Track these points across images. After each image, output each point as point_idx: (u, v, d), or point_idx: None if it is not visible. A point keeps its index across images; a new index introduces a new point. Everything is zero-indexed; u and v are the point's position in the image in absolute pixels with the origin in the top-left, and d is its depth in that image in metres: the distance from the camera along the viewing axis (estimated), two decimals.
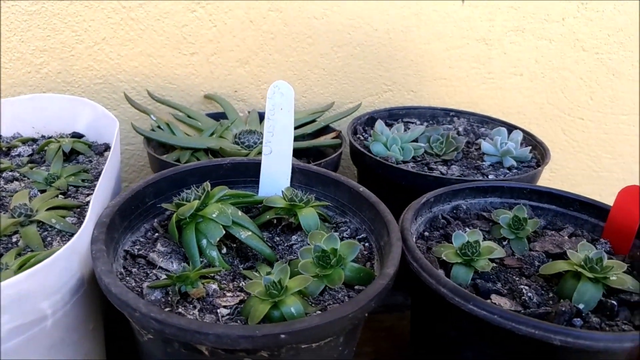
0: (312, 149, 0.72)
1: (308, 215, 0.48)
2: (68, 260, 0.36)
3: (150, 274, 0.42)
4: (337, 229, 0.51)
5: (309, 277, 0.39)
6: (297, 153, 0.69)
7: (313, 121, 0.76)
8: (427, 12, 0.83)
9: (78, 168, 0.53)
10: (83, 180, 0.52)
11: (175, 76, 0.80)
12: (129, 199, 0.45)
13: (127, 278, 0.41)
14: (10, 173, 0.52)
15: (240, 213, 0.47)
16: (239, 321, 0.38)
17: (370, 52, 0.84)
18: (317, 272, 0.41)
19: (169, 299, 0.39)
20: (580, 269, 0.42)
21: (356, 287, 0.43)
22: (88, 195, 0.50)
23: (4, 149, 0.58)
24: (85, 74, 0.76)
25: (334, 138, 0.72)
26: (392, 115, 0.81)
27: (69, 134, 0.62)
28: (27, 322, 0.33)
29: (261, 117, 0.74)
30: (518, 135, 0.69)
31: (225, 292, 0.41)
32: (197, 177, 0.51)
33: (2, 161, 0.54)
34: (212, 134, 0.70)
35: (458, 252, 0.45)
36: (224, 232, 0.44)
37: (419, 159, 0.67)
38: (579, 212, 0.54)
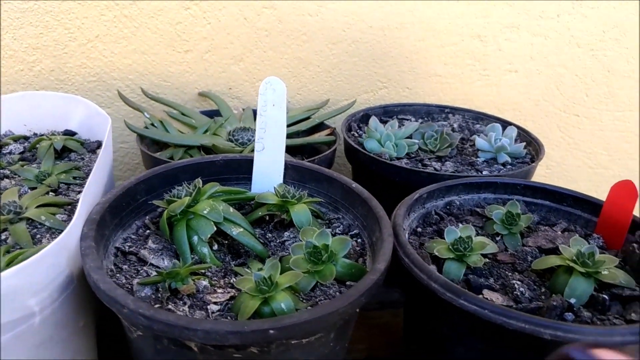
0: (306, 146, 0.72)
1: (300, 212, 0.48)
2: (56, 256, 0.35)
3: (141, 271, 0.42)
4: (329, 225, 0.51)
5: (299, 273, 0.39)
6: (292, 150, 0.69)
7: (307, 118, 0.76)
8: (421, 8, 0.82)
9: (69, 165, 0.53)
10: (74, 178, 0.52)
11: (169, 74, 0.79)
12: (119, 195, 0.45)
13: (118, 275, 0.41)
14: (1, 171, 0.52)
15: (231, 210, 0.46)
16: (229, 317, 0.38)
17: (365, 49, 0.84)
18: (308, 268, 0.41)
19: (159, 295, 0.39)
20: (572, 264, 0.42)
21: (348, 283, 0.42)
22: (79, 192, 0.49)
23: None
24: (78, 71, 0.75)
25: (328, 135, 0.72)
26: (387, 112, 0.80)
27: (62, 132, 0.62)
28: (15, 319, 0.33)
29: (255, 114, 0.74)
30: (512, 132, 0.69)
31: (216, 288, 0.41)
32: (189, 174, 0.51)
33: None
34: (205, 132, 0.70)
35: (450, 247, 0.45)
36: (215, 228, 0.44)
37: (413, 156, 0.67)
38: (572, 208, 0.54)
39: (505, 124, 0.74)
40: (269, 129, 0.51)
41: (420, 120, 0.79)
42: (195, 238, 0.44)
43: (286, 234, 0.49)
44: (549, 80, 0.94)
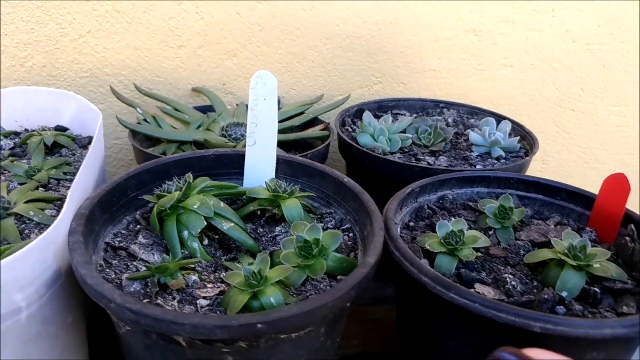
0: (300, 142, 0.72)
1: (292, 206, 0.48)
2: (43, 251, 0.35)
3: (131, 266, 0.42)
4: (322, 220, 0.50)
5: (289, 267, 0.39)
6: (285, 145, 0.69)
7: (301, 113, 0.75)
8: (415, 3, 0.82)
9: (60, 161, 0.53)
10: (65, 173, 0.52)
11: (162, 69, 0.79)
12: (109, 190, 0.45)
13: (107, 270, 0.41)
14: None
15: (222, 204, 0.46)
16: (218, 312, 0.38)
17: (359, 43, 0.84)
18: (299, 262, 0.41)
19: (148, 290, 0.38)
20: (563, 257, 0.42)
21: (339, 277, 0.42)
22: (70, 188, 0.49)
23: None
24: (70, 67, 0.75)
25: (322, 130, 0.72)
26: (382, 107, 0.80)
27: (53, 128, 0.62)
28: (1, 315, 0.33)
29: None
30: (506, 126, 0.69)
31: (205, 283, 0.41)
32: (180, 169, 0.50)
33: None
34: (198, 127, 0.70)
35: (442, 241, 0.45)
36: (205, 223, 0.44)
37: (406, 150, 0.67)
38: (565, 201, 0.54)
39: (499, 118, 0.74)
40: (261, 123, 0.50)
41: (414, 115, 0.79)
42: (186, 233, 0.44)
43: (278, 228, 0.49)
44: (544, 75, 0.94)
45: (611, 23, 0.91)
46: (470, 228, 0.50)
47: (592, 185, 1.02)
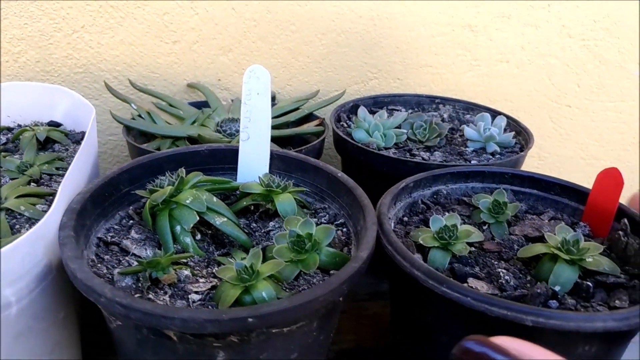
0: (295, 137, 0.72)
1: (285, 201, 0.47)
2: (32, 246, 0.35)
3: (123, 261, 0.42)
4: (315, 215, 0.50)
5: (281, 262, 0.39)
6: (281, 141, 0.69)
7: (296, 109, 0.75)
8: None
9: (52, 156, 0.53)
10: (57, 169, 0.51)
11: (157, 65, 0.79)
12: (102, 185, 0.45)
13: (99, 265, 0.40)
14: None
15: (215, 199, 0.46)
16: (210, 307, 0.38)
17: (354, 39, 0.83)
18: (292, 257, 0.41)
19: (140, 285, 0.38)
20: (556, 251, 0.42)
21: (332, 272, 0.42)
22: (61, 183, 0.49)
23: None
24: (64, 62, 0.74)
25: (317, 126, 0.72)
26: (377, 103, 0.80)
27: (46, 123, 0.61)
28: None
29: None
30: (502, 121, 0.69)
31: (198, 278, 0.40)
32: (174, 164, 0.50)
33: None
34: (193, 123, 0.69)
35: (435, 236, 0.45)
36: (198, 218, 0.44)
37: (401, 146, 0.66)
38: (559, 196, 0.54)
39: (494, 113, 0.74)
40: (254, 118, 0.50)
41: (410, 111, 0.79)
42: (178, 228, 0.44)
43: (271, 223, 0.48)
44: (540, 71, 0.94)
45: (607, 19, 0.91)
46: (464, 223, 0.50)
47: (588, 181, 1.02)
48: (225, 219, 0.45)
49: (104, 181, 0.45)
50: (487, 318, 0.36)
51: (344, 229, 0.48)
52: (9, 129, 0.61)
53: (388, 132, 0.65)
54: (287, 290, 0.40)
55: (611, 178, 0.47)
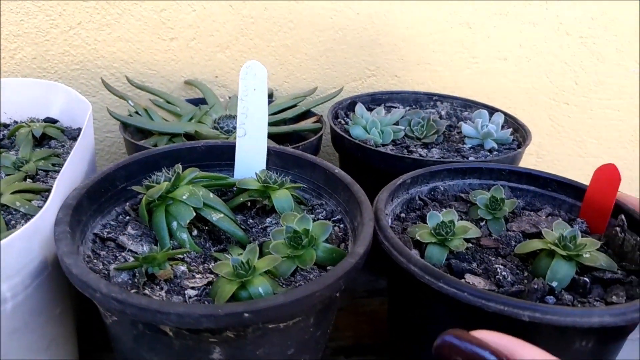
0: (293, 135, 0.71)
1: (282, 197, 0.47)
2: (27, 241, 0.35)
3: (119, 257, 0.42)
4: (312, 212, 0.50)
5: (277, 257, 0.39)
6: (278, 138, 0.69)
7: (294, 106, 0.75)
8: None
9: (48, 152, 0.52)
10: (54, 165, 0.51)
11: (154, 62, 0.79)
12: (98, 181, 0.45)
13: (95, 261, 0.40)
14: None
15: (211, 195, 0.46)
16: (206, 302, 0.37)
17: (352, 36, 0.83)
18: (288, 253, 0.41)
19: (136, 281, 0.38)
20: (554, 247, 0.42)
21: (328, 268, 0.42)
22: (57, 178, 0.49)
23: None
24: (61, 59, 0.74)
25: (315, 122, 0.71)
26: (375, 100, 0.80)
27: (42, 120, 0.61)
28: None
29: None
30: (499, 118, 0.69)
31: (194, 274, 0.40)
32: (170, 161, 0.50)
33: None
34: (190, 119, 0.69)
35: (432, 232, 0.45)
36: (195, 214, 0.44)
37: (398, 142, 0.66)
38: (556, 193, 0.54)
39: (492, 110, 0.73)
40: (251, 114, 0.50)
41: (408, 108, 0.79)
42: (175, 224, 0.43)
43: (268, 220, 0.48)
44: (539, 68, 0.94)
45: (605, 16, 0.91)
46: (461, 219, 0.50)
47: (586, 178, 1.02)
48: (222, 215, 0.45)
49: (100, 177, 0.45)
50: (484, 313, 0.35)
51: (341, 225, 0.48)
52: (5, 126, 0.60)
53: (385, 129, 0.65)
54: (284, 286, 0.40)
55: (608, 174, 0.47)
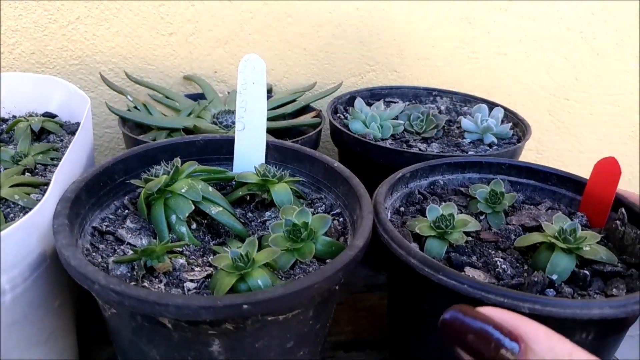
0: (292, 129, 0.71)
1: (281, 191, 0.47)
2: (26, 234, 0.35)
3: (118, 250, 0.41)
4: (312, 205, 0.50)
5: (276, 250, 0.39)
6: (277, 133, 0.68)
7: (293, 101, 0.75)
8: None
9: (47, 146, 0.52)
10: (52, 159, 0.51)
11: (153, 57, 0.78)
12: (96, 175, 0.44)
13: (94, 254, 0.40)
14: None
15: (210, 189, 0.46)
16: (205, 295, 0.37)
17: (351, 31, 0.83)
18: (287, 246, 0.41)
19: (135, 273, 0.38)
20: (554, 240, 0.42)
21: (328, 261, 0.42)
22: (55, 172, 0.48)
23: None
24: (60, 54, 0.74)
25: (314, 117, 0.71)
26: (374, 95, 0.80)
27: (41, 114, 0.61)
28: None
29: None
30: (499, 112, 0.68)
31: (193, 267, 0.40)
32: (169, 155, 0.50)
33: None
34: (189, 114, 0.69)
35: (432, 225, 0.45)
36: (194, 207, 0.43)
37: (398, 137, 0.66)
38: (556, 187, 0.54)
39: (492, 105, 0.73)
40: (250, 108, 0.50)
41: (407, 103, 0.79)
42: (174, 217, 0.43)
43: (267, 213, 0.48)
44: (539, 64, 0.94)
45: (605, 11, 0.91)
46: (461, 213, 0.50)
47: (586, 174, 1.02)
48: (221, 209, 0.45)
49: (98, 171, 0.45)
50: (483, 305, 0.35)
51: (340, 219, 0.48)
52: (4, 120, 0.60)
53: (385, 124, 0.65)
54: (283, 279, 0.40)
55: (609, 168, 0.47)
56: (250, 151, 0.51)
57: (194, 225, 0.45)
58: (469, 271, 0.42)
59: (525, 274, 0.43)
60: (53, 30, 0.72)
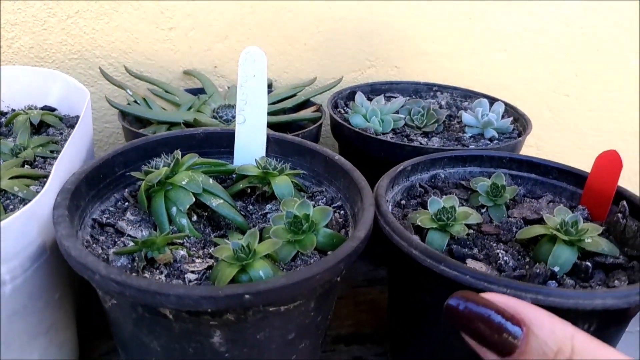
0: (292, 124, 0.71)
1: (282, 184, 0.47)
2: (25, 224, 0.34)
3: (118, 242, 0.41)
4: (312, 199, 0.50)
5: (278, 241, 0.39)
6: (278, 128, 0.68)
7: (293, 96, 0.75)
8: None
9: (46, 139, 0.52)
10: (52, 152, 0.51)
11: (153, 52, 0.78)
12: (96, 167, 0.44)
13: (94, 245, 0.40)
14: None
15: (211, 181, 0.46)
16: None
17: (352, 26, 0.83)
18: (288, 237, 0.41)
19: (135, 265, 0.38)
20: (555, 232, 0.42)
21: (329, 253, 0.42)
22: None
23: None
24: (59, 48, 0.74)
25: (314, 112, 0.71)
26: (375, 90, 0.79)
27: (40, 108, 0.61)
28: None
29: None
30: (499, 107, 0.68)
31: (194, 258, 0.40)
32: (169, 147, 0.50)
33: None
34: (189, 109, 0.69)
35: (433, 217, 0.44)
36: (194, 199, 0.43)
37: (398, 131, 0.66)
38: (557, 180, 0.54)
39: (492, 100, 0.73)
40: (250, 101, 0.50)
41: (407, 98, 0.79)
42: (174, 209, 0.43)
43: (268, 206, 0.48)
44: (539, 60, 0.94)
45: (606, 7, 0.90)
46: (462, 206, 0.50)
47: (586, 171, 1.02)
48: (222, 201, 0.45)
49: (98, 163, 0.45)
50: None
51: (341, 212, 0.47)
52: (3, 114, 0.60)
53: (385, 118, 0.65)
54: (285, 270, 0.39)
55: (610, 160, 0.47)
56: (250, 144, 0.51)
57: (194, 218, 0.45)
58: (471, 263, 0.42)
59: (527, 266, 0.43)
60: (52, 24, 0.72)
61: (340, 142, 0.69)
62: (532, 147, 1.02)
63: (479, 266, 0.42)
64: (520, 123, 0.69)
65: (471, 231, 0.46)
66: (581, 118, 1.01)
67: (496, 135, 0.66)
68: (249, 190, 0.50)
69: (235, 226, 0.45)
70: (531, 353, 0.26)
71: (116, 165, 0.47)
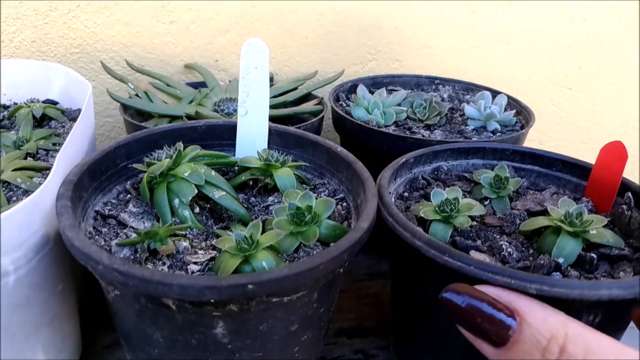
0: (294, 117, 0.71)
1: (284, 176, 0.47)
2: (28, 215, 0.34)
3: (121, 234, 0.41)
4: (315, 191, 0.50)
5: (280, 232, 0.39)
6: (279, 121, 0.67)
7: (295, 89, 0.74)
8: None
9: (49, 132, 0.52)
10: (54, 144, 0.51)
11: (154, 45, 0.78)
12: (98, 159, 0.44)
13: (97, 237, 0.40)
14: None
15: (213, 173, 0.45)
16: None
17: (353, 20, 0.82)
18: (291, 229, 0.41)
19: (138, 256, 0.38)
20: (560, 224, 0.41)
21: (332, 244, 0.42)
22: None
23: None
24: (60, 42, 0.74)
25: (316, 105, 0.71)
26: (376, 84, 0.79)
27: (42, 101, 0.61)
28: None
29: None
30: (502, 100, 0.68)
31: (197, 249, 0.40)
32: (171, 139, 0.49)
33: None
34: (191, 102, 0.69)
35: (436, 209, 0.44)
36: (196, 191, 0.43)
37: (400, 124, 0.66)
38: (561, 172, 0.53)
39: (495, 93, 0.73)
40: (252, 92, 0.49)
41: (409, 91, 0.78)
42: (176, 201, 0.43)
43: (270, 198, 0.48)
44: (541, 53, 0.93)
45: (609, 0, 0.90)
46: (465, 198, 0.50)
47: None
48: (224, 193, 0.44)
49: (100, 155, 0.44)
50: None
51: (344, 204, 0.47)
52: (5, 107, 0.60)
53: (388, 110, 0.65)
54: (287, 262, 0.39)
55: (615, 152, 0.47)
56: (252, 136, 0.51)
57: (196, 210, 0.45)
58: (475, 255, 0.42)
59: (531, 258, 0.42)
60: (54, 18, 0.71)
61: (342, 135, 0.69)
62: (534, 141, 1.02)
63: (483, 257, 0.42)
64: (523, 116, 0.69)
65: (474, 223, 0.46)
66: (584, 111, 1.01)
67: (499, 127, 0.65)
68: (251, 183, 0.49)
69: (237, 218, 0.45)
70: (525, 342, 0.26)
71: (118, 157, 0.47)
